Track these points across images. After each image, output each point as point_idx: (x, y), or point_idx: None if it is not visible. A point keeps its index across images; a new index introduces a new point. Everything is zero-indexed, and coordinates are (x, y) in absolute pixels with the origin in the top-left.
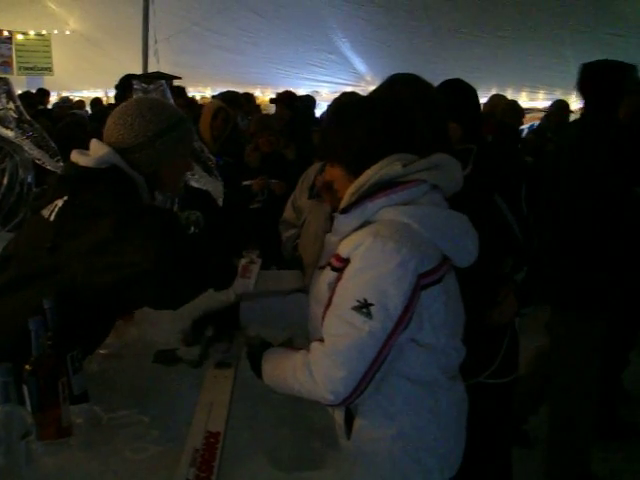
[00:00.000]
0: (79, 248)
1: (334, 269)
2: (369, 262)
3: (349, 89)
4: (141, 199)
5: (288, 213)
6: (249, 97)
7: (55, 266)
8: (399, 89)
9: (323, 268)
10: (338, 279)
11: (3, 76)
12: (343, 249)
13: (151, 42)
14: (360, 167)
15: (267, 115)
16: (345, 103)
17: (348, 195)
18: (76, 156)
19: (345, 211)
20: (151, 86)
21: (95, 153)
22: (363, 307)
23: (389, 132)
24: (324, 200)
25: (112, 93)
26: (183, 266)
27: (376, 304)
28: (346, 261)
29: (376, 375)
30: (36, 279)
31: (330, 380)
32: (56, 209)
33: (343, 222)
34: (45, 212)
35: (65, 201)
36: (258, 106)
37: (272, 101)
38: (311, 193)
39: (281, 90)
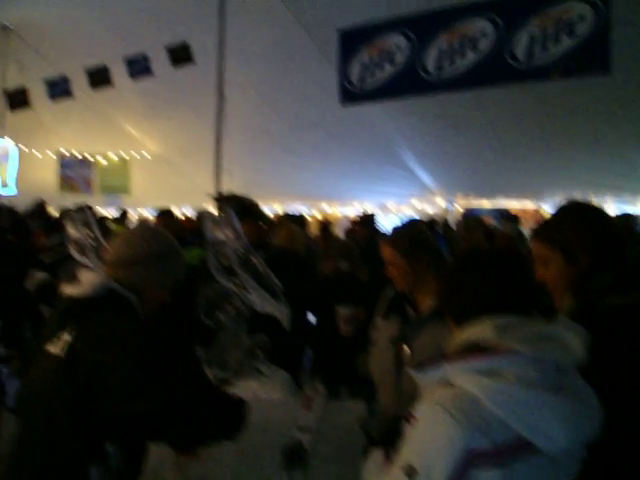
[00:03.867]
0: (100, 380)
1: (407, 422)
2: (422, 428)
3: (415, 201)
4: (139, 318)
5: (371, 332)
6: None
7: (72, 398)
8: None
9: None
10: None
11: (79, 204)
12: (416, 405)
13: (224, 162)
14: (464, 323)
15: (349, 242)
16: (460, 255)
17: (446, 350)
18: (68, 288)
19: (420, 367)
20: (220, 216)
21: (88, 281)
22: (409, 472)
23: (490, 290)
24: (390, 321)
25: (187, 210)
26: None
27: (421, 473)
28: (413, 418)
29: None
30: (54, 414)
31: None
32: (65, 344)
33: (418, 377)
34: (51, 347)
35: (74, 335)
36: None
37: (354, 224)
38: (382, 313)
39: (348, 204)
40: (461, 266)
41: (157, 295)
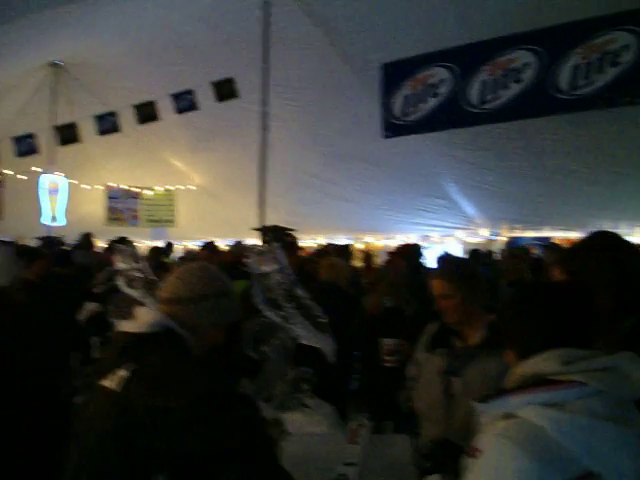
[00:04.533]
0: (157, 418)
1: (469, 455)
2: (488, 462)
3: (460, 233)
4: (194, 357)
5: (411, 370)
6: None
7: (127, 433)
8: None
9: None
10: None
11: (121, 236)
12: (478, 438)
13: (268, 194)
14: (527, 356)
15: (388, 268)
16: (524, 288)
17: (509, 382)
18: (124, 325)
19: (484, 400)
20: (265, 249)
21: (144, 318)
22: None
23: (557, 323)
24: (436, 354)
25: (232, 242)
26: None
27: None
28: (477, 451)
29: None
30: (108, 446)
31: None
32: (121, 379)
33: (481, 410)
34: (107, 382)
35: (131, 372)
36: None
37: (391, 254)
38: (426, 347)
39: (392, 236)
40: (525, 299)
41: (211, 335)
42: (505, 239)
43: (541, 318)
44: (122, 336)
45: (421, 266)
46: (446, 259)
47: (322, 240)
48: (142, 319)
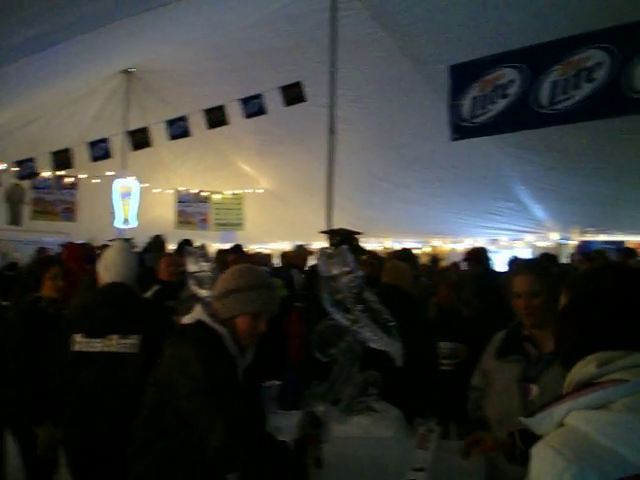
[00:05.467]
0: (172, 393)
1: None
2: (531, 472)
3: (528, 237)
4: (224, 348)
5: (476, 379)
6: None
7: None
8: None
9: None
10: None
11: (187, 240)
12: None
13: (335, 197)
14: (569, 366)
15: (447, 269)
16: (569, 300)
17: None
18: (183, 319)
19: (530, 415)
20: (335, 251)
21: (193, 313)
22: None
23: (590, 330)
24: (510, 361)
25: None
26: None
27: None
28: None
29: None
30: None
31: None
32: (162, 360)
33: (530, 425)
34: (160, 362)
35: (164, 357)
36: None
37: (466, 259)
38: (497, 355)
39: (460, 239)
40: (565, 310)
41: (247, 325)
42: (576, 243)
43: (565, 328)
44: (176, 327)
45: (489, 270)
46: (522, 260)
47: (389, 243)
48: (192, 314)
